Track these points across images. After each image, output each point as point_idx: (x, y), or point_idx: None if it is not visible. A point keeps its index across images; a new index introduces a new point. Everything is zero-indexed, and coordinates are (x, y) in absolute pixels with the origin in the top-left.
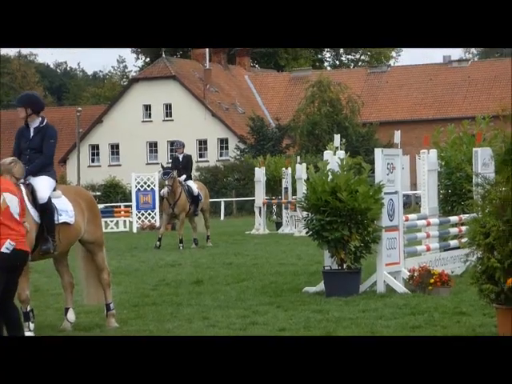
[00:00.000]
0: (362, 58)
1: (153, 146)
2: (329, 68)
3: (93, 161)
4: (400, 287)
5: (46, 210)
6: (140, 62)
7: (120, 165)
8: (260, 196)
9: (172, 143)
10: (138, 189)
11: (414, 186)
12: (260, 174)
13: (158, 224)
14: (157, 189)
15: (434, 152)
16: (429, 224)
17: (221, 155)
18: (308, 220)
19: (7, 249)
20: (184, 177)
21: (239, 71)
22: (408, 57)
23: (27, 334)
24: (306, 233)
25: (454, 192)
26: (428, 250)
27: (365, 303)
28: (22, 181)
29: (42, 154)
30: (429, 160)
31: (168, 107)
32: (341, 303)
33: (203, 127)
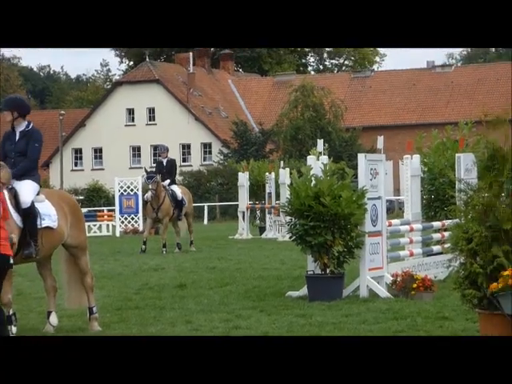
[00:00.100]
0: (346, 62)
1: (136, 150)
2: (312, 72)
3: (76, 165)
4: (383, 292)
5: (29, 214)
6: (124, 66)
7: (103, 169)
8: (243, 201)
9: (155, 147)
10: (122, 193)
11: (397, 191)
12: (243, 178)
13: (141, 228)
14: (140, 193)
15: (417, 157)
16: (412, 229)
17: (204, 160)
18: (291, 225)
19: None
20: (168, 181)
21: (223, 75)
22: (391, 62)
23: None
24: (290, 237)
25: (437, 197)
26: (411, 255)
27: (348, 308)
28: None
29: (26, 158)
30: (412, 165)
31: (151, 111)
32: (324, 308)
33: (186, 131)
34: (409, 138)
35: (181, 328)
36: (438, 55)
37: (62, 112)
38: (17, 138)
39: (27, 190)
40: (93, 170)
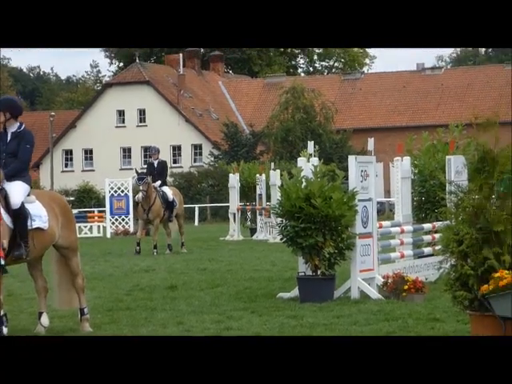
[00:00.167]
0: (336, 64)
1: (126, 152)
2: (303, 74)
3: (66, 166)
4: (374, 293)
5: (19, 215)
6: (114, 67)
7: (93, 170)
8: (234, 202)
9: (146, 149)
10: (112, 194)
11: (387, 193)
12: (234, 180)
13: (132, 229)
14: (130, 194)
15: (407, 159)
16: (403, 231)
17: (195, 161)
18: (282, 226)
19: None
20: (159, 182)
21: (213, 77)
22: (381, 64)
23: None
24: (281, 239)
25: (428, 199)
26: (402, 256)
27: (339, 309)
28: None
29: (17, 159)
30: (402, 167)
31: (142, 112)
32: (315, 309)
33: (177, 133)
34: (399, 140)
35: (172, 329)
36: (428, 57)
37: (53, 113)
38: (8, 138)
39: (17, 191)
40: (83, 171)
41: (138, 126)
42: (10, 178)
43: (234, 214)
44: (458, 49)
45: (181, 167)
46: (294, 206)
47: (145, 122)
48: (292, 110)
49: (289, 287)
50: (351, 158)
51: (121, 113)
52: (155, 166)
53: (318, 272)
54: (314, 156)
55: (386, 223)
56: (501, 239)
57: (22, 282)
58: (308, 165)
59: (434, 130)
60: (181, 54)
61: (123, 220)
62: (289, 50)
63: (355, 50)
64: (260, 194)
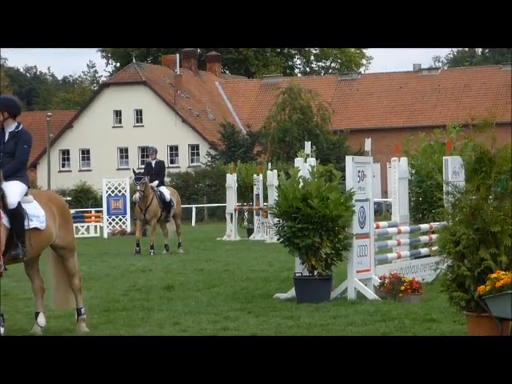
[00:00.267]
0: (333, 65)
1: (123, 152)
2: (299, 75)
3: (63, 166)
4: (371, 294)
5: (16, 215)
6: (110, 68)
7: (91, 170)
8: (231, 202)
9: (143, 149)
10: (109, 194)
11: (384, 193)
12: (231, 180)
13: (129, 230)
14: (128, 194)
15: (404, 160)
16: (399, 232)
17: (192, 161)
18: (279, 227)
19: None
20: (156, 182)
21: (210, 77)
22: (378, 65)
23: None
24: (278, 239)
25: (425, 200)
26: (399, 257)
27: (336, 310)
28: None
29: (14, 159)
30: (399, 168)
31: (138, 113)
32: (312, 309)
33: (174, 133)
34: (396, 141)
35: (169, 329)
36: (425, 58)
37: (49, 113)
38: (6, 138)
39: (14, 190)
40: (80, 171)
41: (134, 126)
42: (8, 178)
43: (231, 215)
44: (455, 49)
45: (178, 167)
46: (291, 206)
47: (142, 122)
48: (289, 110)
49: (285, 288)
50: (348, 159)
51: (118, 113)
52: (153, 165)
53: (315, 272)
54: (311, 156)
55: (383, 224)
56: (498, 240)
57: (18, 281)
58: (305, 165)
59: (431, 131)
60: (177, 55)
61: (120, 220)
62: (285, 50)
63: (352, 50)
64: (257, 195)
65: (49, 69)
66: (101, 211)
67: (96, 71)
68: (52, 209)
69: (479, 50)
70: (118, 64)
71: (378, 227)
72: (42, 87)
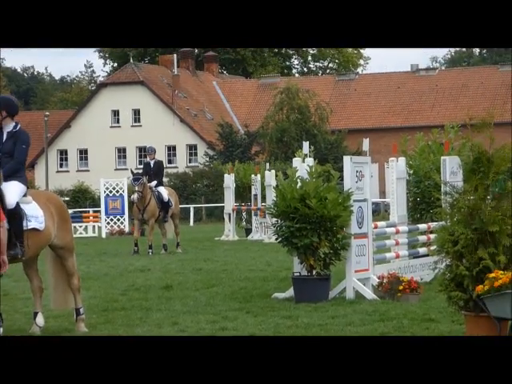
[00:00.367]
0: (330, 65)
1: (121, 152)
2: (297, 75)
3: (61, 166)
4: (369, 294)
5: (14, 215)
6: (108, 67)
7: (88, 170)
8: (229, 202)
9: (141, 149)
10: (107, 194)
11: (382, 193)
12: (229, 180)
13: (127, 229)
14: (126, 194)
15: (402, 160)
16: (398, 231)
17: (190, 161)
18: (277, 227)
19: None
20: (155, 182)
21: (207, 77)
22: (375, 65)
23: None
24: (276, 239)
25: (423, 200)
26: (397, 257)
27: (334, 309)
28: None
29: (13, 159)
30: (397, 168)
31: (136, 113)
32: (310, 309)
33: (172, 133)
34: (394, 141)
35: (167, 329)
36: (422, 58)
37: (47, 113)
38: (4, 138)
39: (12, 191)
40: (78, 171)
41: (132, 126)
42: (6, 178)
43: (229, 215)
44: (452, 50)
45: (176, 167)
46: (289, 206)
47: (139, 122)
48: (287, 110)
49: (284, 287)
50: (346, 159)
51: (115, 113)
52: (151, 165)
53: (313, 272)
54: (309, 156)
55: (381, 223)
56: (496, 239)
57: (17, 281)
58: (303, 165)
59: (429, 131)
60: (175, 55)
61: (118, 220)
62: (283, 50)
63: (349, 50)
64: (255, 195)
65: (46, 69)
66: (99, 211)
67: (93, 71)
68: (50, 209)
69: (477, 51)
70: (116, 64)
71: (376, 227)
72: (40, 87)
